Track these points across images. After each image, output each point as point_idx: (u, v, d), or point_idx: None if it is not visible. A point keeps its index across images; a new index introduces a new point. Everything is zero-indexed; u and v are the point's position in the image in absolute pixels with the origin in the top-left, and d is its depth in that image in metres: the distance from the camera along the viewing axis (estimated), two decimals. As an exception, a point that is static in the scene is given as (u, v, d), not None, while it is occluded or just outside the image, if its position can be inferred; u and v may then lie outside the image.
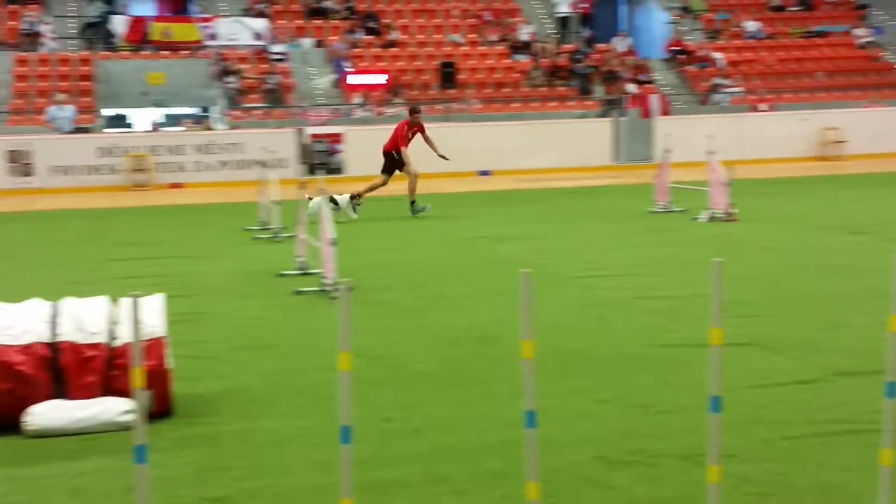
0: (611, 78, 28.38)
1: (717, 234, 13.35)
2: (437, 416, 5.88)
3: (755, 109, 27.97)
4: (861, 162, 24.83)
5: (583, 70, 28.62)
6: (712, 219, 14.58)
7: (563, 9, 31.97)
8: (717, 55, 30.28)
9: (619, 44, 30.61)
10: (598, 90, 28.32)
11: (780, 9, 33.77)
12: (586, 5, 32.27)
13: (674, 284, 9.81)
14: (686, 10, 32.91)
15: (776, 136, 26.12)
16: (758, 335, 7.60)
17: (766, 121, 26.98)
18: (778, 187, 19.89)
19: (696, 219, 14.68)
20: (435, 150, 16.79)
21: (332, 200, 13.67)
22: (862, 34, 32.60)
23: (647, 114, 26.24)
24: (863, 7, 34.82)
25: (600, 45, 30.37)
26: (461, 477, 4.94)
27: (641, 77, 28.68)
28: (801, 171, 23.16)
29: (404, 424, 5.75)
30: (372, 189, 16.75)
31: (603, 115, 26.83)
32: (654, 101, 26.79)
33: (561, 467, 4.96)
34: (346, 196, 16.04)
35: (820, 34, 32.56)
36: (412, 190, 16.55)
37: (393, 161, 16.72)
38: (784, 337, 7.57)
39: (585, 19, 32.24)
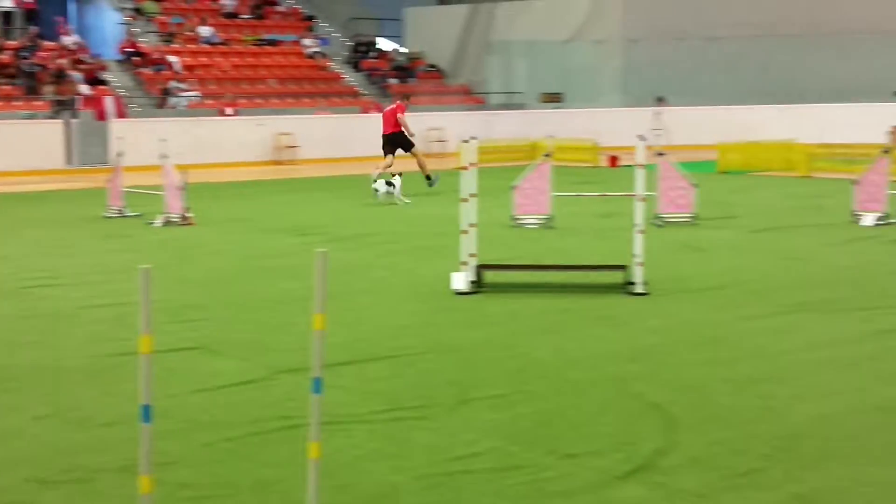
0: (61, 78, 27.17)
1: (171, 239, 13.29)
2: None
3: (223, 113, 28.27)
4: (312, 166, 26.09)
5: (29, 69, 27.13)
6: (167, 223, 14.51)
7: (6, 3, 30.08)
8: (173, 58, 30.20)
9: (68, 42, 29.41)
10: (48, 90, 26.98)
11: (234, 15, 34.46)
12: (30, 0, 30.64)
13: (124, 291, 9.57)
14: (139, 12, 32.44)
15: (233, 140, 26.65)
16: (205, 339, 7.66)
17: (223, 125, 27.39)
18: (234, 191, 20.28)
19: (152, 223, 14.52)
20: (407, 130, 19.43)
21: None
22: (310, 44, 34.25)
23: (101, 116, 25.47)
24: (310, 18, 36.61)
25: (48, 44, 28.96)
26: None
27: (95, 78, 27.78)
28: (256, 176, 23.82)
29: None
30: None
31: (53, 116, 25.62)
32: (109, 103, 26.07)
33: (-11, 494, 4.62)
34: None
35: (271, 42, 33.72)
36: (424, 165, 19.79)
37: (396, 142, 19.38)
38: (231, 339, 7.69)
39: (30, 15, 30.59)
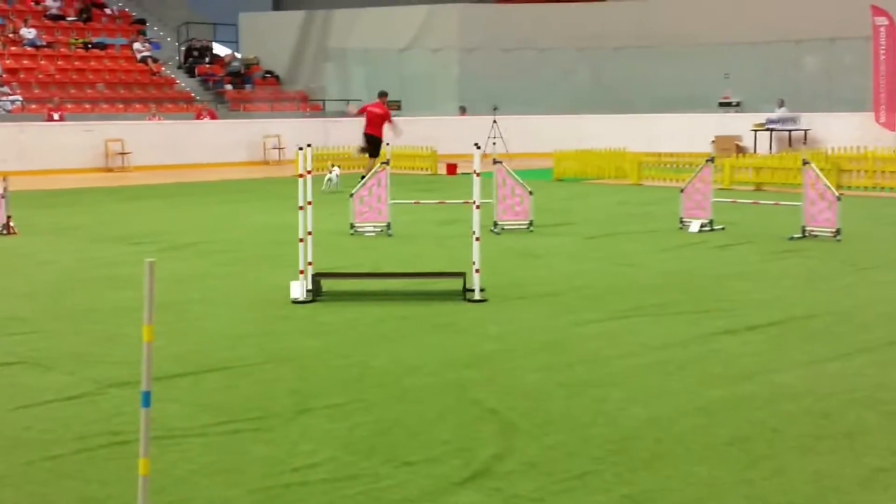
0: None
1: (-8, 249, 12.72)
2: None
3: (50, 118, 27.24)
4: (144, 173, 25.43)
5: None
6: (-12, 233, 13.88)
7: None
8: (-6, 61, 28.99)
9: None
10: None
11: (59, 17, 33.31)
12: None
13: (-59, 305, 9.10)
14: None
15: (61, 146, 25.75)
16: (30, 353, 7.33)
17: (49, 131, 26.44)
18: (62, 199, 19.57)
19: (-29, 233, 13.87)
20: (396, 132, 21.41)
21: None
22: (141, 48, 33.40)
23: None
24: (141, 22, 35.72)
25: None
26: None
27: None
28: (86, 183, 23.05)
29: None
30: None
31: None
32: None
33: None
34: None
35: (100, 46, 32.73)
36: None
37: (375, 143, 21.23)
38: (57, 352, 7.39)
39: None
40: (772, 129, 29.26)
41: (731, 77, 33.20)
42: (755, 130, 29.47)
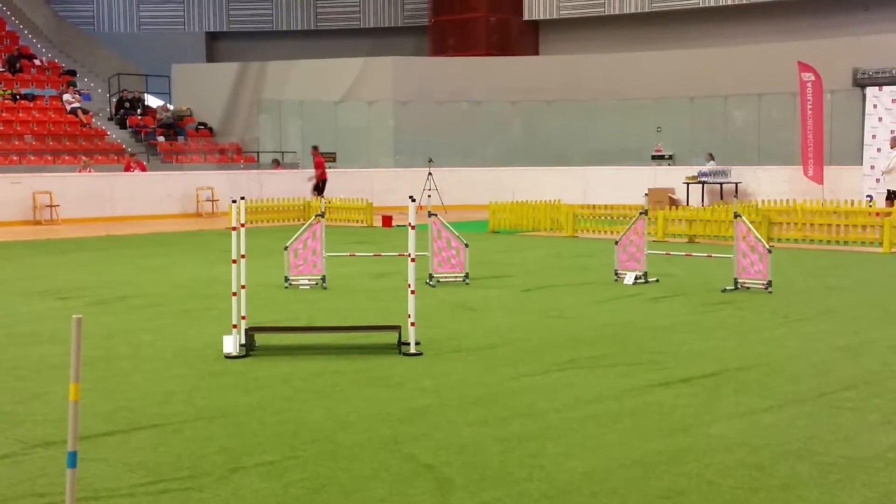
0: None
1: (-86, 304, 12.37)
2: None
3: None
4: (72, 226, 25.04)
5: None
6: (-90, 287, 13.52)
7: None
8: (-80, 112, 28.46)
9: None
10: None
11: (-12, 69, 32.92)
12: None
13: None
14: None
15: (-13, 198, 25.28)
16: (-49, 412, 7.11)
17: (-25, 183, 25.97)
18: (-13, 252, 19.17)
19: None
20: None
21: None
22: (71, 100, 33.06)
23: None
24: (71, 73, 35.40)
25: None
26: None
27: None
28: (13, 236, 22.63)
29: None
30: None
31: None
32: None
33: None
34: None
35: (28, 97, 32.34)
36: None
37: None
38: (-20, 411, 7.17)
39: None
40: (703, 182, 29.76)
41: (662, 131, 33.79)
42: (687, 183, 29.96)
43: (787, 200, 22.85)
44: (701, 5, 36.39)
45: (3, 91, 32.10)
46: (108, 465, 5.89)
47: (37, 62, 35.12)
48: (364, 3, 43.38)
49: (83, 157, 29.41)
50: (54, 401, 7.41)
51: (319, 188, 29.17)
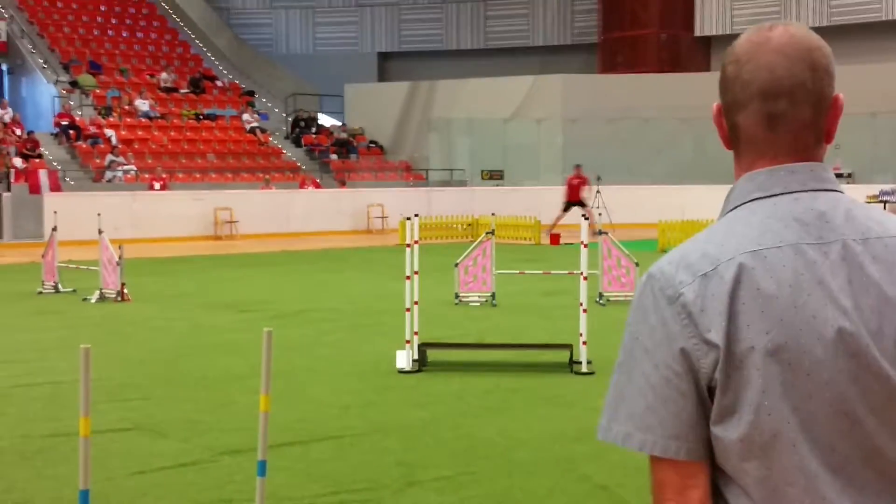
0: (-4, 150, 26.86)
1: (107, 315, 13.05)
2: None
3: (151, 188, 28.05)
4: (251, 241, 25.92)
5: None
6: (102, 299, 14.26)
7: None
8: (110, 132, 30.00)
9: (2, 115, 29.12)
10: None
11: (172, 90, 34.43)
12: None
13: (59, 369, 9.34)
14: (75, 85, 32.26)
15: (171, 215, 26.43)
16: (143, 419, 7.46)
17: (160, 200, 27.16)
18: (172, 266, 20.02)
19: (87, 299, 14.26)
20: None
21: None
22: (250, 119, 34.28)
23: (35, 189, 25.16)
24: (250, 94, 36.71)
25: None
26: None
27: (29, 151, 27.48)
28: (195, 251, 23.57)
29: None
30: None
31: (-13, 189, 25.27)
32: (44, 177, 25.78)
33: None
34: None
35: (210, 117, 33.69)
36: None
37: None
38: (170, 419, 7.51)
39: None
40: (885, 202, 28.63)
41: (840, 147, 32.67)
42: (869, 202, 28.87)
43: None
44: (883, 18, 35.06)
45: (188, 111, 33.56)
46: (290, 474, 6.08)
47: (218, 83, 36.57)
48: (533, 21, 43.48)
49: (265, 176, 30.43)
50: (239, 410, 7.70)
51: (567, 209, 26.70)
